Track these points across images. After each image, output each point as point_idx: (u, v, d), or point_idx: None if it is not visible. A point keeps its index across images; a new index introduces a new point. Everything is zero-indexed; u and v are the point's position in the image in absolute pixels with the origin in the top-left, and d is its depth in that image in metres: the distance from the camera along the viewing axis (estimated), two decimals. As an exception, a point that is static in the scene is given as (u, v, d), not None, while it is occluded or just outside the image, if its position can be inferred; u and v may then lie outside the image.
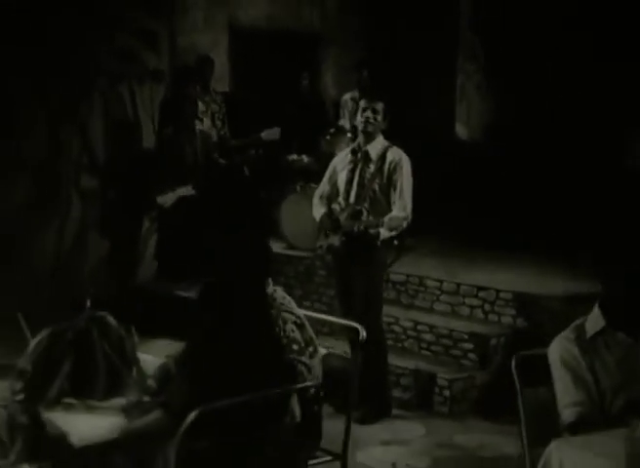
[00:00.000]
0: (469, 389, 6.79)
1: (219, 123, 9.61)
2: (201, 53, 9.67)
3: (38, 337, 3.84)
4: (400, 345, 7.39)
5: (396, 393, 6.87)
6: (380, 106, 6.50)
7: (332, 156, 8.60)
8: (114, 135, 9.37)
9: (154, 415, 3.49)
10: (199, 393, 3.39)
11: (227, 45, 10.10)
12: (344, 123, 9.64)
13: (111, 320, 3.92)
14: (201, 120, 9.45)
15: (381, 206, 6.43)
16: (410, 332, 7.39)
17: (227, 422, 3.34)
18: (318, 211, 6.68)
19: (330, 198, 6.69)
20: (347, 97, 9.78)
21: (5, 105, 8.47)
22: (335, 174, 6.70)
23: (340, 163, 6.69)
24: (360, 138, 6.59)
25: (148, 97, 9.46)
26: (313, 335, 4.13)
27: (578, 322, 3.92)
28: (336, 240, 6.53)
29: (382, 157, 6.48)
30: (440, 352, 7.18)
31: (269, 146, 9.40)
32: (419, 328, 7.36)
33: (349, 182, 6.56)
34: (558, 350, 3.82)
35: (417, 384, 6.89)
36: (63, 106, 8.97)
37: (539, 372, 3.97)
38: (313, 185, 8.81)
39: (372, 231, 6.31)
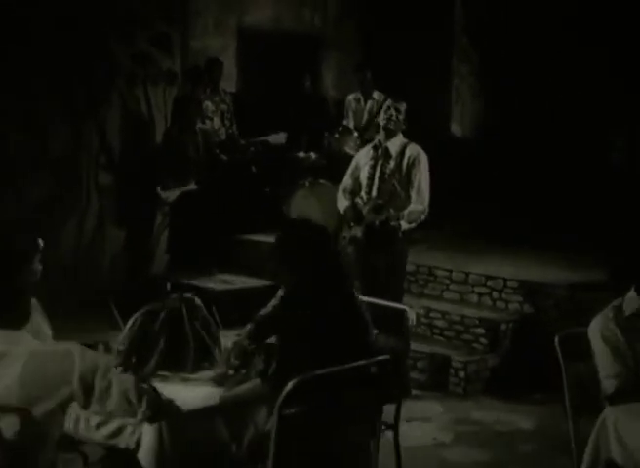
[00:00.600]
0: (482, 370, 7.28)
1: (227, 122, 10.07)
2: (211, 55, 10.11)
3: (133, 318, 4.28)
4: (414, 331, 7.85)
5: (413, 375, 7.32)
6: (402, 107, 7.01)
7: (340, 153, 9.13)
8: (130, 133, 9.79)
9: (251, 384, 3.96)
10: (289, 364, 3.84)
11: (235, 47, 10.52)
12: (348, 122, 10.09)
13: (198, 301, 4.38)
14: (211, 119, 9.93)
15: (401, 199, 6.91)
16: (423, 319, 7.87)
17: (319, 391, 3.78)
18: (342, 204, 7.14)
19: (353, 192, 7.14)
20: (351, 97, 10.22)
21: (31, 106, 8.86)
22: (357, 169, 7.15)
23: (363, 159, 7.15)
24: (381, 135, 7.04)
25: (162, 98, 9.89)
26: (368, 317, 4.58)
27: (615, 303, 4.35)
28: (358, 231, 7.00)
29: (402, 153, 6.97)
30: (452, 337, 7.68)
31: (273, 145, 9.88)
32: (431, 315, 7.85)
33: (371, 177, 7.02)
34: (598, 327, 4.26)
35: (432, 367, 7.37)
36: (85, 106, 9.38)
37: (579, 349, 4.40)
38: (322, 181, 9.29)
39: (393, 223, 6.79)
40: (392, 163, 6.95)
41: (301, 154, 9.89)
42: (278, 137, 9.77)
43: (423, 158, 6.96)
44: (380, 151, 7.02)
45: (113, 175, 9.69)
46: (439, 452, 6.09)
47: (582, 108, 9.75)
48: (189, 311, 4.29)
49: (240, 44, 10.60)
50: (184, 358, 4.22)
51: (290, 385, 3.66)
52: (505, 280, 7.77)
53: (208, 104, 9.87)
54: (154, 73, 9.82)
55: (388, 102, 7.10)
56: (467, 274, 8.00)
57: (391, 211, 6.79)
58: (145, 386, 3.63)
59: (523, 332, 7.46)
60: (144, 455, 3.64)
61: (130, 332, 4.24)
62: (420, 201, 6.89)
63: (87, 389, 3.40)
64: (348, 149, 9.36)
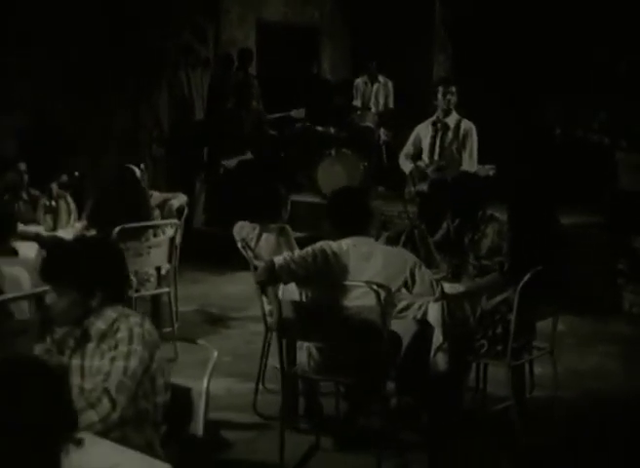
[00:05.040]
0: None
1: (254, 102, 11.90)
2: (238, 45, 11.98)
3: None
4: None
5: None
6: (454, 89, 8.97)
7: (360, 128, 11.11)
8: (176, 112, 11.55)
9: (492, 276, 5.97)
10: (518, 265, 5.85)
11: (255, 38, 12.38)
12: (357, 102, 12.12)
13: (424, 229, 6.32)
14: (247, 100, 11.73)
15: (457, 162, 8.95)
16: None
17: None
18: (407, 166, 9.06)
19: (414, 157, 9.12)
20: (360, 80, 12.26)
21: (103, 91, 10.56)
22: (417, 139, 9.11)
23: (423, 131, 9.08)
24: (439, 113, 8.98)
25: (199, 82, 11.72)
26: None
27: None
28: (424, 186, 8.97)
29: (457, 126, 8.94)
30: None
31: (302, 121, 11.79)
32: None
33: (432, 145, 9.00)
34: None
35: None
36: (141, 90, 11.11)
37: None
38: (345, 150, 11.23)
39: (458, 179, 8.80)
40: (450, 134, 8.93)
41: (320, 128, 11.80)
42: (298, 112, 11.65)
43: (474, 131, 8.88)
44: (439, 125, 8.99)
45: (164, 148, 11.42)
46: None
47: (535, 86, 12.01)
48: (419, 233, 6.25)
49: (258, 35, 12.46)
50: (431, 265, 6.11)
51: (527, 277, 5.59)
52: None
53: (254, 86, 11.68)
54: (193, 61, 11.60)
55: (442, 89, 8.97)
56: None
57: (455, 168, 8.77)
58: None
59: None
60: (433, 319, 5.62)
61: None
62: (471, 163, 8.91)
63: (412, 278, 5.33)
64: (369, 123, 11.38)
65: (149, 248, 7.07)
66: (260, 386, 6.39)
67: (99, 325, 3.58)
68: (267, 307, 6.21)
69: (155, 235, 7.16)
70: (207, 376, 3.74)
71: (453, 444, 5.69)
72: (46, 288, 3.69)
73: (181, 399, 3.76)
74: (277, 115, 11.81)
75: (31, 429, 2.35)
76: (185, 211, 8.23)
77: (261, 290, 6.14)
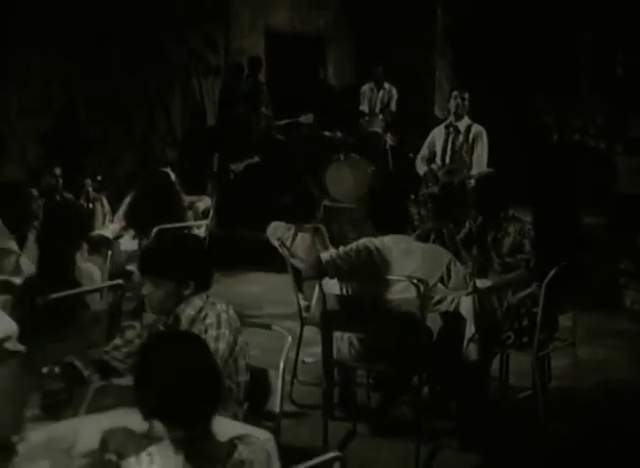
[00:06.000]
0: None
1: (264, 108, 12.21)
2: (247, 52, 12.30)
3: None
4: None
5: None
6: (466, 95, 9.30)
7: (368, 133, 11.44)
8: (188, 117, 11.86)
9: (517, 272, 6.32)
10: (543, 260, 6.21)
11: (264, 46, 12.72)
12: (364, 108, 12.46)
13: (452, 225, 6.67)
14: (255, 106, 12.05)
15: (467, 165, 9.30)
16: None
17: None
18: (422, 169, 9.40)
19: (429, 160, 9.46)
20: (366, 87, 12.59)
21: (118, 100, 10.87)
22: (432, 142, 9.46)
23: (437, 135, 9.43)
24: (452, 118, 9.32)
25: (211, 89, 12.05)
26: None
27: None
28: (435, 189, 9.32)
29: (468, 130, 9.27)
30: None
31: (310, 126, 12.11)
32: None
33: (444, 149, 9.34)
34: None
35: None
36: (155, 97, 11.42)
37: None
38: (353, 155, 11.55)
39: (467, 182, 9.17)
40: (461, 138, 9.27)
41: (327, 133, 12.13)
42: (307, 118, 11.97)
43: (484, 135, 9.21)
44: (451, 129, 9.33)
45: (176, 151, 11.71)
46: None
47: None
48: (448, 231, 6.58)
49: (267, 43, 12.79)
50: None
51: (553, 271, 5.96)
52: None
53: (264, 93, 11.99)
54: (205, 69, 11.93)
55: (455, 93, 9.35)
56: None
57: (465, 172, 9.13)
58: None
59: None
60: (465, 311, 5.94)
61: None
62: (478, 166, 9.24)
63: (448, 273, 5.66)
64: (376, 129, 11.72)
65: (183, 248, 7.31)
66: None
67: (188, 311, 3.92)
68: (303, 303, 6.53)
69: (189, 235, 7.45)
70: (283, 360, 4.07)
71: (481, 432, 5.94)
72: (118, 281, 3.97)
73: (259, 379, 4.09)
74: (286, 121, 12.08)
75: (202, 394, 2.67)
76: (211, 213, 8.51)
77: (298, 286, 6.49)
